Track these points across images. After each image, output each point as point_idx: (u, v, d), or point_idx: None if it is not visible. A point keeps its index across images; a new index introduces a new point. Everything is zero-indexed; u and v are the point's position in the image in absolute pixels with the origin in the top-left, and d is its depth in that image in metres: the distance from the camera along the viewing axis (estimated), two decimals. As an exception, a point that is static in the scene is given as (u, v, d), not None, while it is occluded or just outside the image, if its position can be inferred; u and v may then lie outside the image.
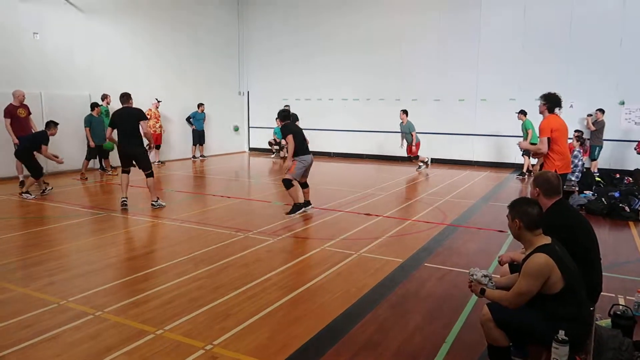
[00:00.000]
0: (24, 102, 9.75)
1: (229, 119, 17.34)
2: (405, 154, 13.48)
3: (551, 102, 5.67)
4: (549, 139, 5.57)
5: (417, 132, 12.96)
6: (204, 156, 15.62)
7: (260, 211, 8.06)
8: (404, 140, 13.12)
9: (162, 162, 14.09)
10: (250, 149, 18.48)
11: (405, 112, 12.96)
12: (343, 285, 4.69)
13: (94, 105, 11.37)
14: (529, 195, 3.46)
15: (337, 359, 3.31)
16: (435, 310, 4.14)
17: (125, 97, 8.01)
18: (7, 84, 10.30)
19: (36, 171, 8.93)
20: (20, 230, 6.75)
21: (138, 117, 7.84)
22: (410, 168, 13.64)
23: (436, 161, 14.75)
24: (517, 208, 2.88)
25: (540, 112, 5.80)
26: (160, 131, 14.04)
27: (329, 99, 16.53)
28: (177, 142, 15.27)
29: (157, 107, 13.86)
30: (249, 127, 18.48)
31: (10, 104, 9.57)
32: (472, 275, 3.10)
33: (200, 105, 15.13)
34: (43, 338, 3.56)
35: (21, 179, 9.82)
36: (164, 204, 8.20)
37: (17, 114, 9.51)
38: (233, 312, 4.04)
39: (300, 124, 16.08)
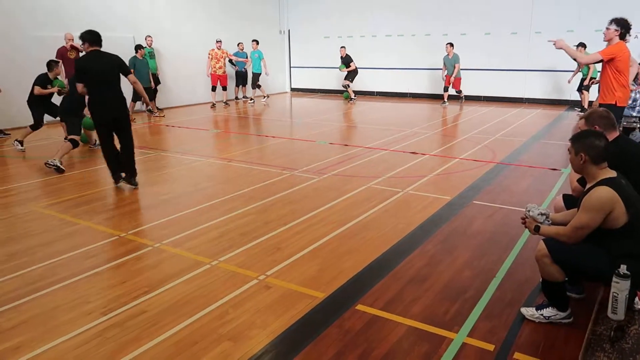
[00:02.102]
0: (74, 44, 9.93)
1: (269, 59, 17.10)
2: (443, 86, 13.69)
3: (625, 27, 5.24)
4: (602, 61, 5.21)
5: (464, 69, 12.62)
6: (246, 97, 15.54)
7: (305, 150, 8.09)
8: (446, 71, 13.54)
9: (226, 103, 13.97)
10: (292, 89, 18.33)
11: (451, 44, 13.18)
12: (390, 221, 4.71)
13: (137, 48, 11.44)
14: None
15: (386, 291, 3.37)
16: (484, 246, 4.11)
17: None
18: (54, 27, 10.46)
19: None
20: (77, 169, 7.07)
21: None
22: (456, 106, 13.23)
23: (486, 99, 14.21)
24: (583, 141, 2.72)
25: (608, 40, 5.35)
26: (224, 73, 13.68)
27: (372, 35, 15.96)
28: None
29: (220, 47, 13.44)
30: (290, 67, 18.23)
31: (62, 46, 9.80)
32: (529, 211, 3.02)
33: (239, 44, 14.85)
34: (108, 267, 3.80)
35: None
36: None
37: (67, 56, 9.73)
38: (283, 245, 4.15)
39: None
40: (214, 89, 13.74)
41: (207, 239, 4.33)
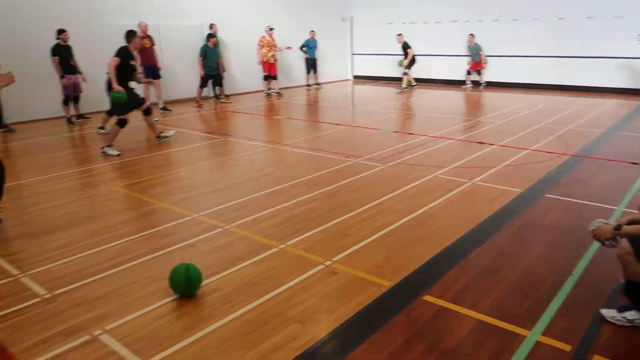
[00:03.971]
0: (148, 33, 10.36)
1: (332, 47, 17.06)
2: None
3: None
4: None
5: (530, 56, 12.39)
6: (319, 84, 15.58)
7: (369, 138, 8.04)
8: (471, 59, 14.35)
9: (279, 93, 13.77)
10: (354, 77, 18.23)
11: (473, 35, 14.14)
12: (458, 212, 4.61)
13: (210, 36, 11.74)
14: None
15: (454, 282, 3.32)
16: (559, 241, 3.94)
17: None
18: (130, 16, 10.96)
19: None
20: (151, 152, 7.41)
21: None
22: (526, 95, 12.67)
23: (559, 88, 13.50)
24: None
25: None
26: (275, 61, 13.49)
27: (435, 22, 15.51)
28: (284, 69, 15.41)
29: (271, 35, 13.28)
30: (352, 54, 18.11)
31: (137, 34, 10.21)
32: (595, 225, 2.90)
33: (311, 32, 14.84)
34: (183, 245, 3.98)
35: (161, 105, 10.71)
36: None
37: (143, 45, 10.17)
38: (349, 232, 4.17)
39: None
40: (266, 77, 13.62)
41: (274, 222, 4.43)
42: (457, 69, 15.22)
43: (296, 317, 2.94)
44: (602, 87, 12.99)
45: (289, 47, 13.72)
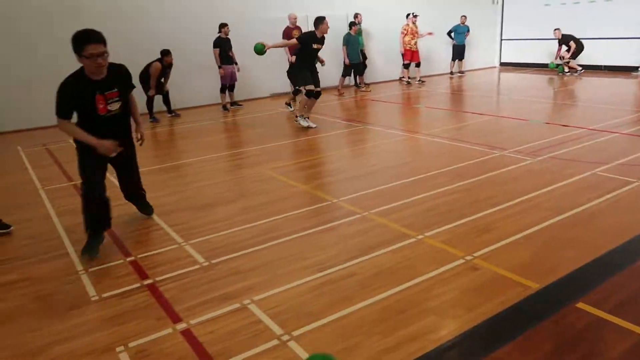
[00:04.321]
0: (297, 24, 10.87)
1: (479, 32, 16.15)
2: None
3: None
4: None
5: None
6: (462, 72, 14.99)
7: (516, 129, 7.51)
8: None
9: (421, 81, 13.47)
10: (501, 64, 17.09)
11: None
12: (622, 215, 4.10)
13: (351, 25, 11.93)
14: None
15: (616, 291, 2.97)
16: None
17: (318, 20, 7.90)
18: (280, 9, 11.58)
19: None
20: (293, 138, 7.81)
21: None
22: None
23: None
24: None
25: None
26: (417, 48, 13.26)
27: (589, 1, 13.77)
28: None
29: (415, 22, 13.05)
30: (501, 40, 16.97)
31: (287, 26, 10.82)
32: None
33: (462, 16, 14.25)
34: (325, 227, 4.15)
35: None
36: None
37: (292, 35, 10.69)
38: (493, 227, 3.96)
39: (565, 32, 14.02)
40: (406, 66, 13.39)
41: (413, 212, 4.38)
42: (628, 54, 13.42)
43: (434, 309, 2.89)
44: None
45: (430, 33, 13.32)
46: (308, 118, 8.21)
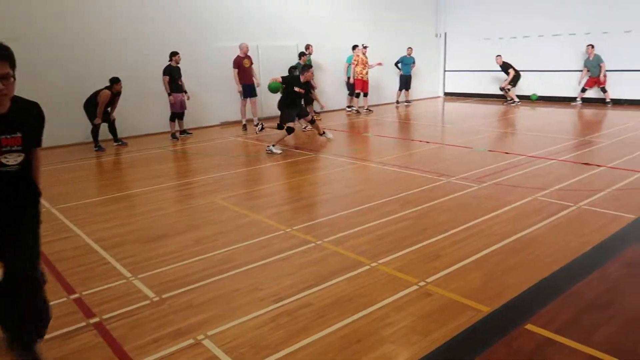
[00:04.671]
0: (248, 54, 10.94)
1: (424, 63, 16.86)
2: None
3: None
4: None
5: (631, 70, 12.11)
6: (409, 101, 15.50)
7: (461, 157, 7.82)
8: (588, 73, 13.45)
9: (369, 110, 13.89)
10: (445, 94, 17.85)
11: (592, 46, 13.18)
12: (562, 238, 4.32)
13: (301, 55, 12.15)
14: None
15: (559, 313, 3.10)
16: (683, 276, 3.56)
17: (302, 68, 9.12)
18: (232, 38, 11.65)
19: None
20: (244, 167, 7.77)
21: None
22: (630, 112, 11.65)
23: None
24: None
25: None
26: (367, 79, 13.68)
27: (538, 35, 14.79)
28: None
29: (365, 53, 13.52)
30: (444, 71, 17.77)
31: (238, 55, 10.87)
32: None
33: (408, 48, 14.82)
34: (277, 258, 4.11)
35: (244, 122, 11.27)
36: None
37: (243, 65, 10.76)
38: (443, 253, 4.07)
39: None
40: (358, 95, 13.79)
41: (366, 240, 4.44)
42: (561, 85, 14.39)
43: (390, 337, 2.91)
44: None
45: (379, 64, 13.79)
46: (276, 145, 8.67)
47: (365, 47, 13.50)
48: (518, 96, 14.58)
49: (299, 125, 9.37)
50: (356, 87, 13.71)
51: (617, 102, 13.25)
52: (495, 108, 14.11)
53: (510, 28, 15.25)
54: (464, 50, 16.78)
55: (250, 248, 4.36)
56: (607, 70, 13.16)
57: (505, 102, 14.64)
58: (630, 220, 4.67)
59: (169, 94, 10.05)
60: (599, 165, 6.77)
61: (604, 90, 13.24)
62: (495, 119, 12.30)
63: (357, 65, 13.48)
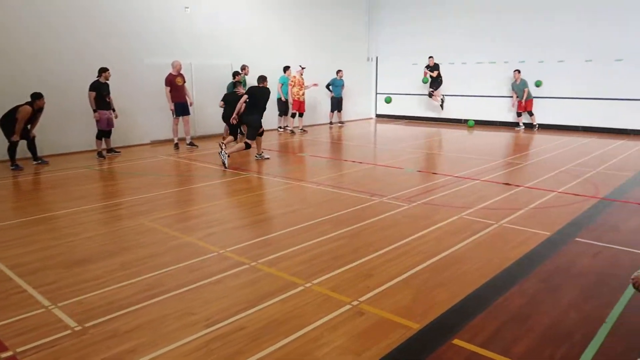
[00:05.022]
0: (181, 72, 10.75)
1: (357, 86, 17.36)
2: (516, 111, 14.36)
3: None
4: None
5: (561, 97, 12.75)
6: (342, 122, 15.82)
7: (393, 177, 8.07)
8: (516, 97, 14.12)
9: (304, 130, 14.09)
10: (377, 116, 18.43)
11: (518, 71, 13.89)
12: (485, 255, 4.56)
13: (235, 74, 12.11)
14: None
15: (484, 327, 3.26)
16: (591, 288, 3.86)
17: (262, 79, 9.24)
18: (165, 55, 11.42)
19: None
20: (176, 187, 7.57)
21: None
22: (552, 136, 12.62)
23: (585, 129, 13.43)
24: None
25: None
26: (304, 99, 13.96)
27: (461, 62, 15.72)
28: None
29: (302, 74, 13.81)
30: (376, 94, 18.38)
31: (170, 73, 10.65)
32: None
33: (339, 71, 15.19)
34: (209, 281, 4.02)
35: (176, 141, 11.02)
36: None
37: (176, 83, 10.54)
38: (375, 272, 4.16)
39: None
40: (294, 115, 14.03)
41: (300, 260, 4.44)
42: (486, 110, 15.30)
43: (324, 358, 2.92)
44: (632, 129, 12.85)
45: (315, 85, 14.07)
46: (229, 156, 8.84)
47: (302, 68, 13.79)
48: (454, 120, 15.48)
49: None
50: (293, 107, 13.92)
51: (545, 127, 14.18)
52: (425, 130, 14.74)
53: (438, 55, 16.07)
54: (394, 73, 17.46)
55: (181, 271, 4.23)
56: (539, 97, 14.13)
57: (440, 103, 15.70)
58: (545, 237, 5.01)
59: (95, 111, 9.63)
60: (518, 185, 7.24)
61: (530, 114, 14.12)
62: (425, 140, 12.84)
63: (293, 86, 13.72)
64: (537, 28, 13.97)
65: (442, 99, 15.63)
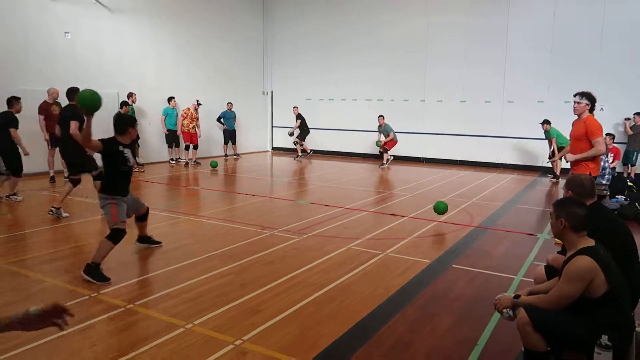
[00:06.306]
0: (57, 100, 9.95)
1: (252, 118, 17.40)
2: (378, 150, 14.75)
3: (593, 101, 5.53)
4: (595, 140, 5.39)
5: (442, 134, 13.26)
6: (238, 155, 15.63)
7: (285, 209, 8.07)
8: (382, 137, 14.38)
9: (197, 162, 13.72)
10: (273, 149, 18.55)
11: (382, 116, 14.32)
12: (370, 284, 4.66)
13: (123, 104, 11.53)
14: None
15: (367, 358, 3.27)
16: (466, 312, 4.08)
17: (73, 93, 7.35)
18: (41, 82, 10.53)
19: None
20: (44, 225, 6.88)
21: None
22: (434, 169, 13.54)
23: (462, 163, 14.60)
24: (564, 207, 2.80)
25: (578, 113, 5.61)
26: (195, 131, 13.67)
27: (352, 99, 16.47)
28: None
29: (197, 109, 13.63)
30: (272, 127, 18.54)
31: (45, 101, 9.80)
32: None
33: (228, 103, 15.12)
34: (78, 328, 3.62)
35: (51, 174, 10.09)
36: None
37: (51, 111, 9.71)
38: (262, 308, 4.04)
39: (321, 123, 16.36)
40: (187, 147, 13.74)
41: (183, 299, 4.19)
42: (369, 144, 16.06)
43: (201, 405, 2.72)
44: (501, 163, 14.24)
45: (198, 104, 13.81)
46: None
47: (199, 105, 13.72)
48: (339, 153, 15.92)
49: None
50: (184, 139, 13.59)
51: (429, 161, 15.16)
52: (317, 163, 15.05)
53: (330, 91, 16.70)
54: (290, 107, 17.76)
55: (43, 319, 3.76)
56: (405, 132, 15.08)
57: (296, 157, 15.64)
58: (426, 264, 5.26)
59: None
60: (403, 216, 7.59)
61: (385, 151, 14.20)
62: (317, 173, 13.09)
63: (185, 118, 13.46)
64: (418, 72, 15.14)
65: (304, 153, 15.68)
